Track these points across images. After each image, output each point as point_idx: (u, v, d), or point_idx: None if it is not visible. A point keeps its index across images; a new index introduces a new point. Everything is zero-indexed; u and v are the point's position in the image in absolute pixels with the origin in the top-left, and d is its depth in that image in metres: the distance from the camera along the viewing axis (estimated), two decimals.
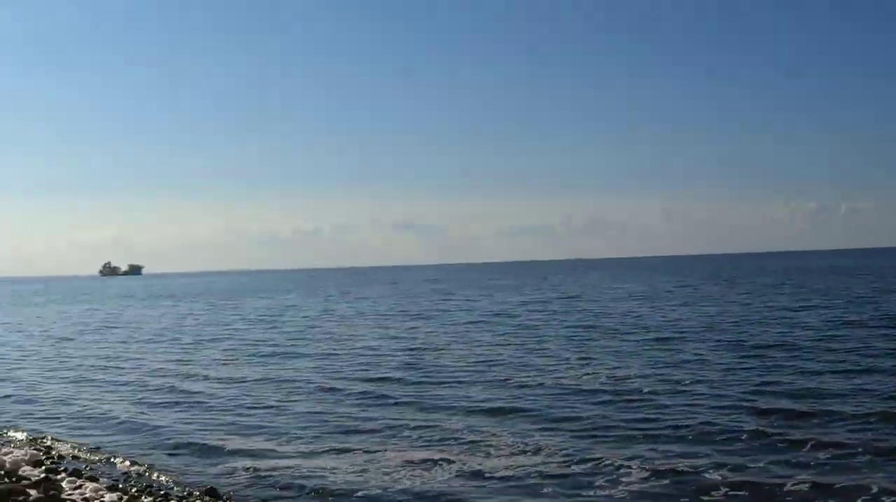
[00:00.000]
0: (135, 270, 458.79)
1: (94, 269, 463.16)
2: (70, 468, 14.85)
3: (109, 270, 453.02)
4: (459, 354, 29.70)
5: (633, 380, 22.44)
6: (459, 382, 23.28)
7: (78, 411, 21.24)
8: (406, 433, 17.01)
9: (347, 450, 15.71)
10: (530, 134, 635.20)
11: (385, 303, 68.78)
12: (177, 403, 21.76)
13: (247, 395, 22.51)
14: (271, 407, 20.70)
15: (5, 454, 15.74)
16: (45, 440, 17.58)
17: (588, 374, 23.78)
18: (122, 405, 21.83)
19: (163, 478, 14.13)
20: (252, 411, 20.13)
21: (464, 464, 14.27)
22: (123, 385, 25.67)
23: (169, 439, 17.20)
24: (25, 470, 14.41)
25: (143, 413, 20.61)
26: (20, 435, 18.28)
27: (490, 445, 15.60)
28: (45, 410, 21.70)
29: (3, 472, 14.08)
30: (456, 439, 16.22)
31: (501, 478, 13.32)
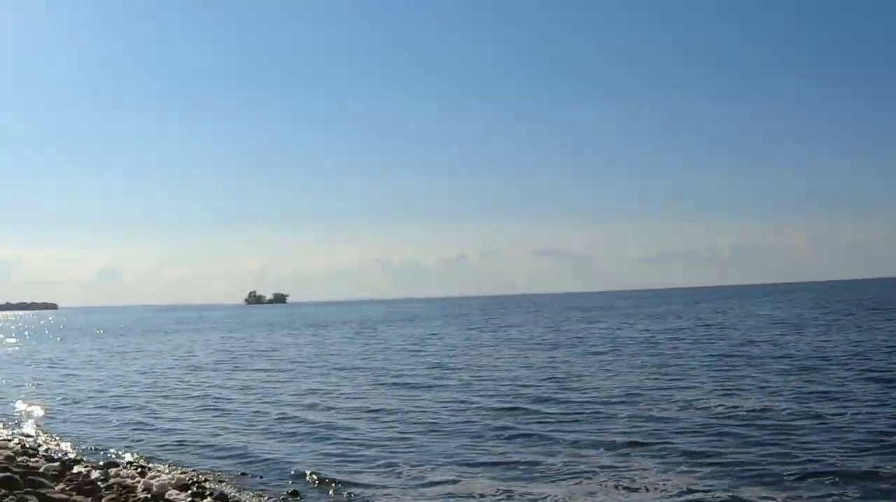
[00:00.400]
0: (279, 299, 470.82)
1: (240, 298, 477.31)
2: (216, 493, 15.18)
3: (255, 299, 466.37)
4: (601, 385, 29.17)
5: (777, 413, 21.67)
6: (601, 414, 22.84)
7: (216, 438, 21.72)
8: (548, 465, 16.77)
9: (487, 483, 15.58)
10: (675, 158, 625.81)
11: (528, 332, 68.41)
12: (313, 433, 21.94)
13: (386, 426, 22.55)
14: (409, 439, 20.65)
15: (152, 478, 16.22)
16: (194, 465, 18.02)
17: (731, 406, 23.02)
18: (257, 434, 22.24)
19: None
20: (389, 443, 20.11)
21: (607, 497, 13.96)
22: (261, 414, 26.04)
23: (307, 469, 17.32)
24: (172, 493, 14.79)
25: (281, 442, 20.93)
26: (162, 463, 18.76)
27: (633, 479, 15.24)
28: (186, 438, 22.21)
29: (150, 495, 14.49)
30: (598, 472, 15.91)
31: None
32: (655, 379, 30.39)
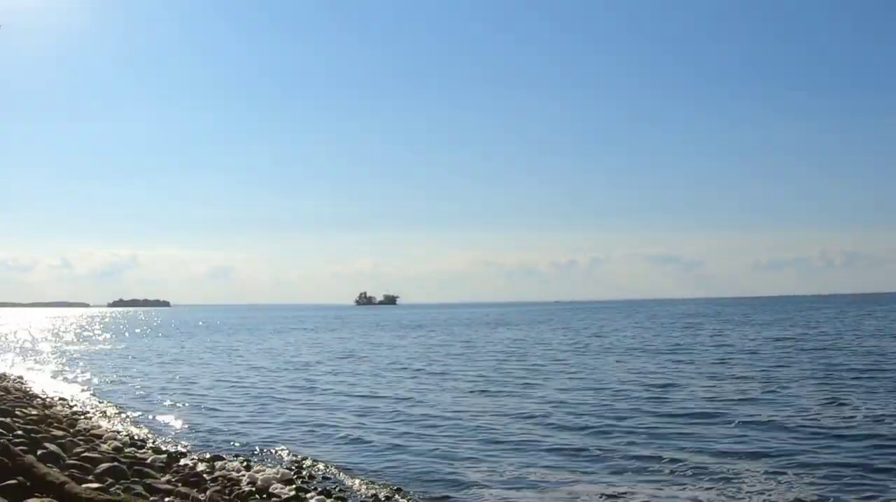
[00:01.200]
0: (390, 300, 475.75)
1: (350, 299, 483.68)
2: (320, 488, 15.26)
3: (365, 300, 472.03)
4: (706, 391, 28.46)
5: (889, 423, 20.84)
6: (705, 421, 22.27)
7: (322, 434, 21.89)
8: (655, 469, 16.48)
9: (591, 485, 15.41)
10: (788, 165, 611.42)
11: (639, 338, 67.42)
12: (421, 432, 21.95)
13: (489, 428, 22.39)
14: (513, 438, 20.57)
15: (257, 472, 16.40)
16: (299, 460, 18.17)
17: (840, 416, 22.21)
18: (364, 430, 22.29)
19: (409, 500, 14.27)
20: (492, 443, 20.06)
21: None
22: (366, 412, 26.20)
23: (416, 467, 17.33)
24: (276, 487, 14.91)
25: (391, 439, 20.97)
26: (267, 457, 18.97)
27: (739, 488, 14.83)
28: (294, 432, 22.46)
29: (254, 488, 14.64)
30: (705, 477, 15.62)
31: None
32: (762, 386, 29.45)
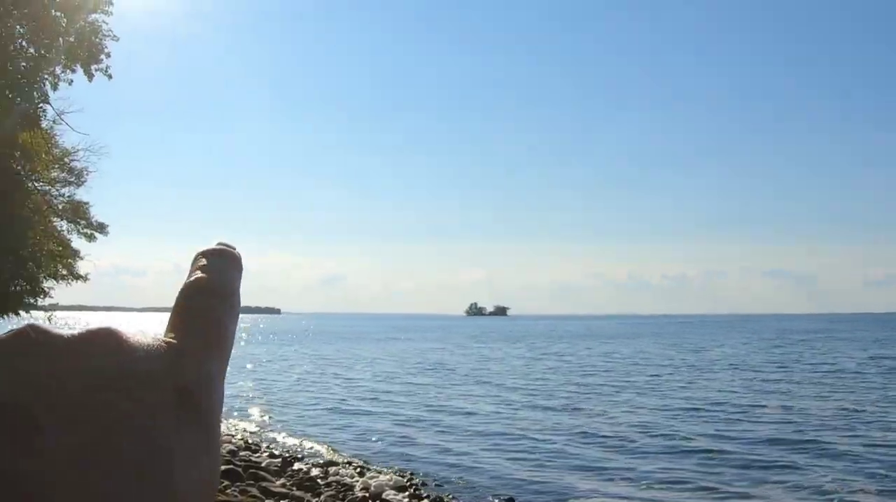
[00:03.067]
0: (500, 311, 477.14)
1: (461, 310, 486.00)
2: (433, 495, 15.36)
3: (476, 310, 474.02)
4: (822, 409, 27.71)
5: None
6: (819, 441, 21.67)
7: (435, 446, 21.94)
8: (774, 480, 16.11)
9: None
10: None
11: (748, 353, 66.10)
12: (527, 447, 21.83)
13: (600, 440, 22.28)
14: (620, 454, 20.46)
15: (371, 478, 16.62)
16: (409, 470, 18.31)
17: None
18: (475, 443, 22.29)
19: None
20: (602, 458, 19.91)
21: None
22: (474, 425, 26.28)
23: (523, 477, 17.31)
24: (389, 494, 15.08)
25: (497, 453, 20.96)
26: (381, 466, 19.16)
27: None
28: (406, 444, 22.62)
29: (367, 495, 14.83)
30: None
31: None
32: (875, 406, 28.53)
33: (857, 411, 27.40)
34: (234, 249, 0.89)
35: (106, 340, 0.71)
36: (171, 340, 0.76)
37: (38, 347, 0.66)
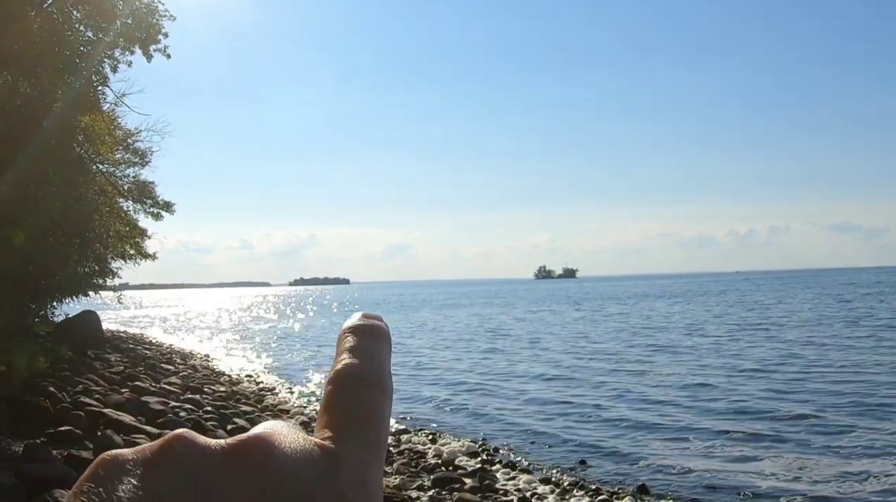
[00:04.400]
0: (569, 274, 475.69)
1: (529, 273, 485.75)
2: (505, 460, 15.51)
3: (545, 273, 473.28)
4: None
5: None
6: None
7: (508, 413, 22.03)
8: (842, 443, 15.99)
9: (778, 456, 15.10)
10: None
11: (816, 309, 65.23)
12: (595, 412, 21.89)
13: (679, 403, 22.26)
14: (692, 407, 20.55)
15: (443, 445, 16.80)
16: (481, 438, 18.44)
17: None
18: (547, 412, 22.33)
19: (593, 476, 14.33)
20: (667, 414, 19.95)
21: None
22: (529, 395, 26.34)
23: (592, 440, 17.38)
24: (462, 460, 15.26)
25: (568, 419, 21.06)
26: (453, 433, 19.34)
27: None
28: (480, 413, 22.74)
29: (440, 461, 15.01)
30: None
31: None
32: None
33: None
34: (380, 320, 0.81)
35: (257, 451, 0.70)
36: (326, 444, 0.74)
37: (184, 463, 0.66)
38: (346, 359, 0.80)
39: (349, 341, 0.83)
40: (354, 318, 0.87)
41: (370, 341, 0.81)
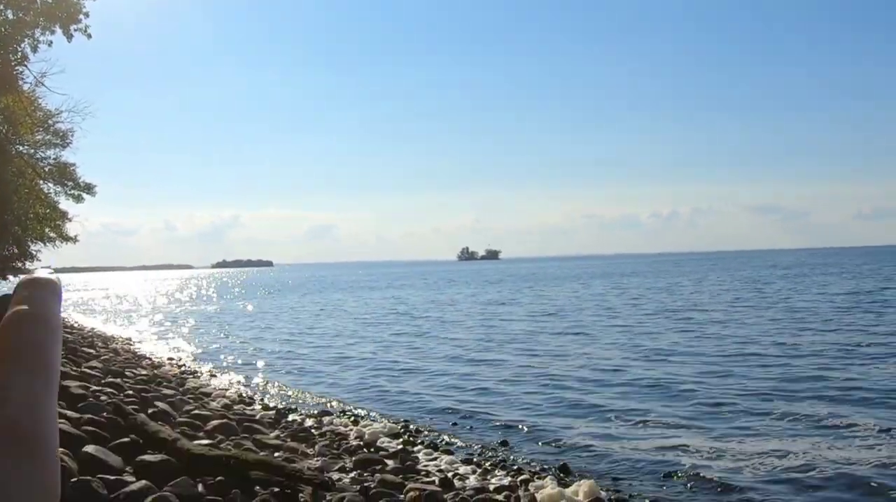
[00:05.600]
0: (492, 255, 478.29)
1: (452, 255, 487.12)
2: (427, 441, 15.58)
3: (468, 255, 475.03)
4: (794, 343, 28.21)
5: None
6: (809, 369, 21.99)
7: (426, 394, 22.13)
8: (759, 423, 16.41)
9: (696, 435, 15.45)
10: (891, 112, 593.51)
11: (732, 292, 66.63)
12: (518, 389, 22.18)
13: (606, 382, 22.60)
14: (611, 389, 20.88)
15: (365, 427, 16.83)
16: (403, 419, 18.48)
17: None
18: (466, 390, 22.50)
19: (514, 456, 14.46)
20: (587, 396, 20.23)
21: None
22: (470, 370, 26.52)
23: (516, 421, 17.53)
24: (384, 441, 15.30)
25: (490, 397, 21.22)
26: (375, 414, 19.37)
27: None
28: (397, 392, 22.81)
29: (361, 443, 15.03)
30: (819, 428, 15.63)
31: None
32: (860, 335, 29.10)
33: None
34: (54, 276, 0.99)
35: None
36: None
37: None
38: (16, 305, 0.94)
39: (23, 292, 0.98)
40: (29, 275, 1.04)
41: (38, 290, 0.96)
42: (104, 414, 12.91)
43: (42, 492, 0.78)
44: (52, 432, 0.87)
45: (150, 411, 15.10)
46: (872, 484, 11.89)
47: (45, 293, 0.99)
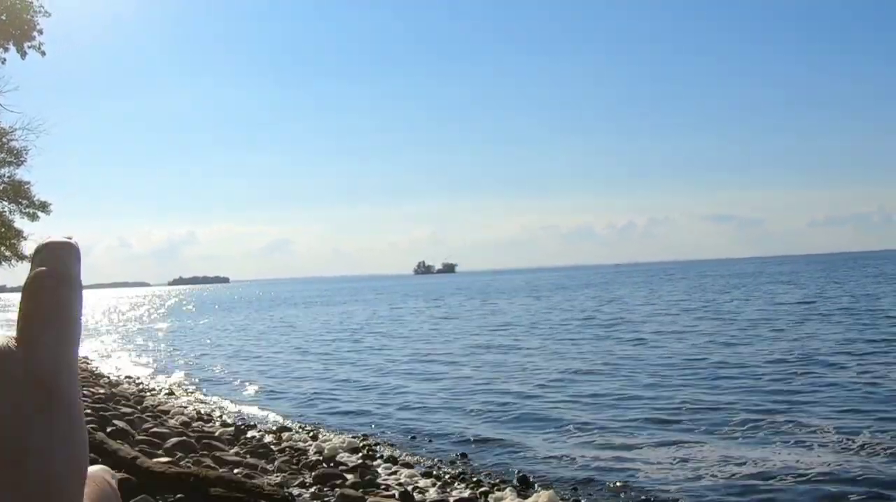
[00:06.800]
0: (448, 268, 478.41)
1: (409, 269, 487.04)
2: (386, 455, 15.52)
3: (424, 269, 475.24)
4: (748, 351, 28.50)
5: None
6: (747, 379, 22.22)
7: (384, 408, 22.05)
8: (722, 430, 16.53)
9: (659, 444, 15.47)
10: (847, 122, 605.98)
11: (696, 300, 67.18)
12: (481, 402, 22.19)
13: (563, 391, 22.64)
14: (569, 400, 20.80)
15: (324, 442, 16.76)
16: (363, 434, 18.39)
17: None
18: (427, 405, 22.55)
19: (473, 468, 14.44)
20: (545, 407, 20.28)
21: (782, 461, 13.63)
22: (429, 384, 26.55)
23: (474, 434, 17.53)
24: (343, 456, 15.21)
25: (450, 411, 21.21)
26: (333, 430, 19.30)
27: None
28: (355, 408, 22.77)
29: (321, 458, 14.94)
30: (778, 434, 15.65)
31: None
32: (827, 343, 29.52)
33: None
34: (73, 239, 0.98)
35: None
36: (21, 336, 0.84)
37: None
38: (38, 266, 0.96)
39: (43, 253, 1.00)
40: (48, 238, 1.08)
41: (60, 251, 0.99)
42: None
43: (82, 445, 0.81)
44: (78, 392, 0.90)
45: (108, 429, 14.89)
46: (832, 489, 12.00)
47: (65, 253, 1.10)
